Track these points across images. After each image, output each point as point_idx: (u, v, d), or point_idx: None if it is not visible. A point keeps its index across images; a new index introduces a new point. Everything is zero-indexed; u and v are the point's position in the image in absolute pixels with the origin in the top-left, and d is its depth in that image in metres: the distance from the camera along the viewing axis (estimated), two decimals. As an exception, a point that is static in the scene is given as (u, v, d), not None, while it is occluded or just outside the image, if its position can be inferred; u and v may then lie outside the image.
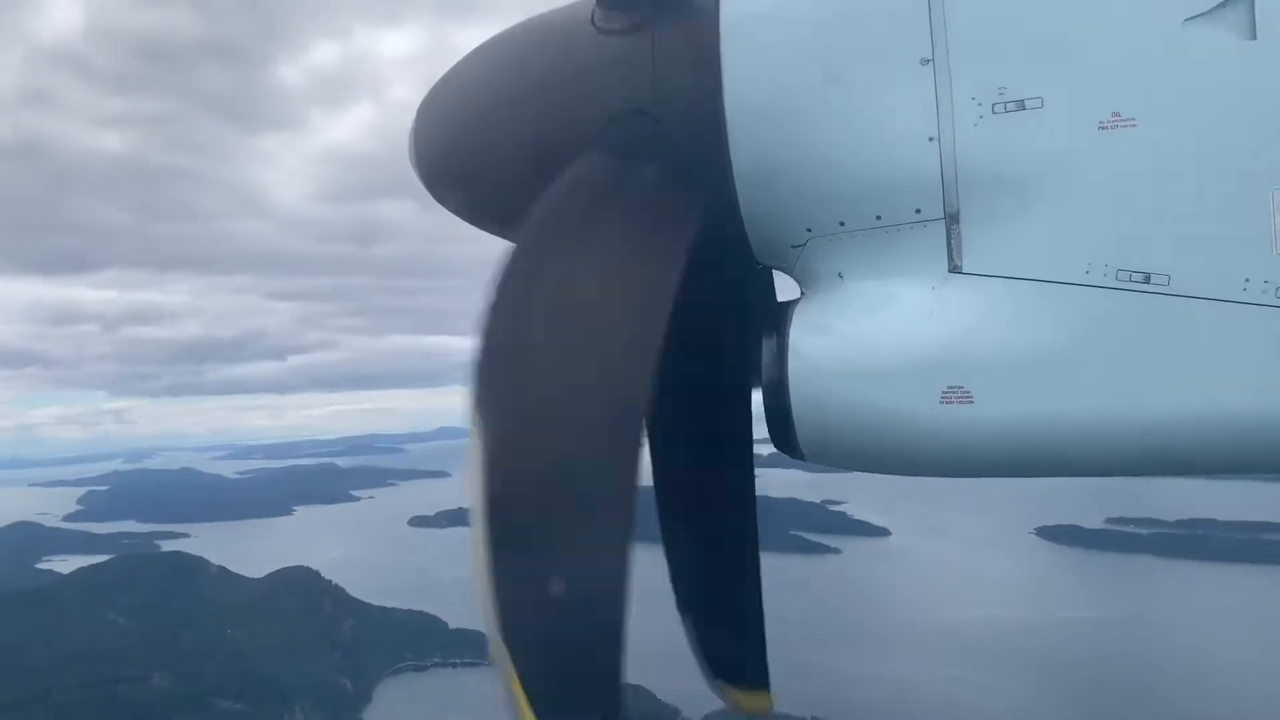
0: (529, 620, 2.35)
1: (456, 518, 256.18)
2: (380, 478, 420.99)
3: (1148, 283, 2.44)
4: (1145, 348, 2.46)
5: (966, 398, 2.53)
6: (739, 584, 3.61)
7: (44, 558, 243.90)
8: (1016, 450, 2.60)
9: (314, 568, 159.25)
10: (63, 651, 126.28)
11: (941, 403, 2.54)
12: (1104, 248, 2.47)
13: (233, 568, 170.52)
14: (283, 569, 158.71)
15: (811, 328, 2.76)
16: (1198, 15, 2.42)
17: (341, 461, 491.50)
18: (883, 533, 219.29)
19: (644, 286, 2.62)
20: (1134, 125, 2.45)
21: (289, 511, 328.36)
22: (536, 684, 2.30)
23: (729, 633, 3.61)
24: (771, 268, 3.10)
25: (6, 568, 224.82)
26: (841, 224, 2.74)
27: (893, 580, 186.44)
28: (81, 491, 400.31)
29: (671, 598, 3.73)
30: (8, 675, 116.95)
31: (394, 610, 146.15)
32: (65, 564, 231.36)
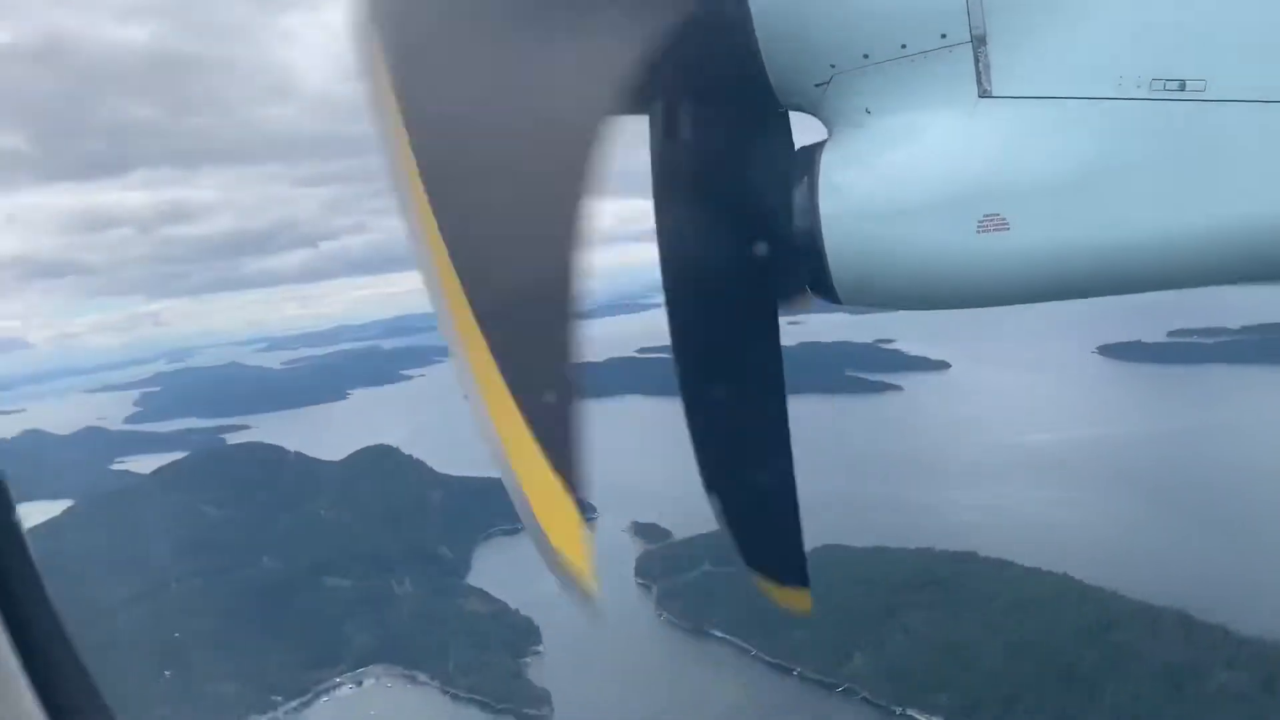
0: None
1: None
2: (425, 356, 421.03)
3: (1183, 90, 2.32)
4: (1185, 157, 2.37)
5: (1003, 225, 2.47)
6: (770, 469, 3.34)
7: (116, 459, 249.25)
8: (1057, 273, 2.56)
9: (392, 445, 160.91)
10: (168, 545, 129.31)
11: (978, 232, 2.49)
12: (1136, 58, 2.37)
13: (309, 453, 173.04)
14: (362, 449, 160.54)
15: (841, 168, 2.70)
16: None
17: (385, 343, 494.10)
18: (942, 366, 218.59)
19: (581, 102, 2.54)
20: None
21: (343, 396, 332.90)
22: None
23: (762, 525, 3.40)
24: (793, 110, 2.95)
25: (84, 472, 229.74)
26: (866, 56, 2.64)
27: (960, 410, 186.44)
28: (135, 394, 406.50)
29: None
30: (120, 571, 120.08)
31: (473, 479, 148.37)
32: (139, 464, 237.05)
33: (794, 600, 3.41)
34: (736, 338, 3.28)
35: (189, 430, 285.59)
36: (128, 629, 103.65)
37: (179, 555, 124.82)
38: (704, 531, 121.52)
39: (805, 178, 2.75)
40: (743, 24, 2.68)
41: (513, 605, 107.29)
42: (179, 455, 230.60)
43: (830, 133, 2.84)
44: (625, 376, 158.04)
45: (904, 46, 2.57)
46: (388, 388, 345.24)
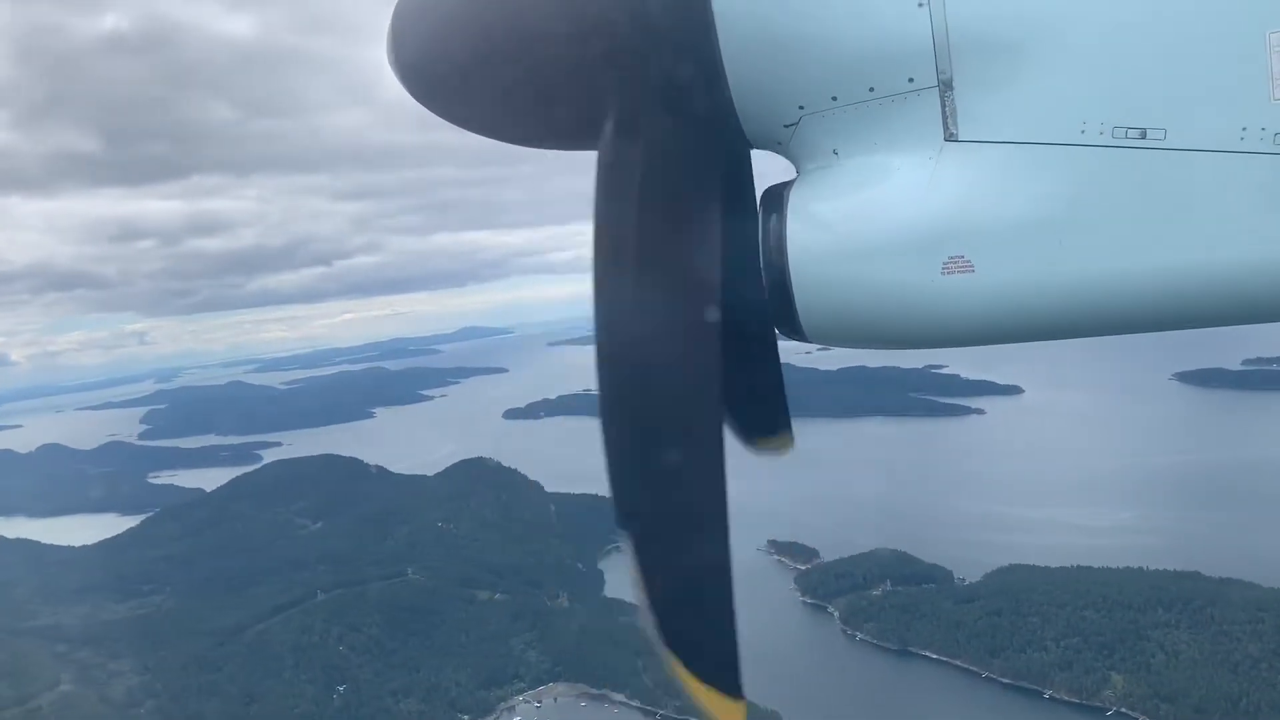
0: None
1: (551, 408, 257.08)
2: (436, 378, 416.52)
3: (1144, 138, 2.39)
4: (1145, 203, 2.43)
5: (967, 267, 2.50)
6: (760, 352, 3.43)
7: (150, 474, 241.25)
8: (1020, 315, 2.59)
9: (489, 458, 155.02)
10: (288, 557, 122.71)
11: (943, 273, 2.52)
12: (1098, 105, 2.42)
13: (390, 467, 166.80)
14: (459, 463, 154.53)
15: (809, 207, 2.71)
16: None
17: (389, 365, 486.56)
18: (1014, 390, 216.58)
19: (704, 223, 2.74)
20: None
21: (369, 415, 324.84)
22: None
23: (751, 393, 3.51)
24: (762, 149, 2.99)
25: (120, 485, 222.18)
26: (834, 99, 2.66)
27: (1041, 435, 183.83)
28: (141, 411, 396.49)
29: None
30: (252, 582, 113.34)
31: (573, 495, 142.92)
32: (180, 478, 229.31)
33: (729, 713, 2.97)
34: (694, 376, 2.94)
35: (216, 447, 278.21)
36: (282, 642, 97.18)
37: (306, 567, 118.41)
38: (863, 550, 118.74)
39: (773, 216, 2.73)
40: (712, 65, 2.67)
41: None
42: (224, 470, 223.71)
43: (798, 172, 2.83)
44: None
45: (872, 90, 2.59)
46: (414, 407, 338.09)
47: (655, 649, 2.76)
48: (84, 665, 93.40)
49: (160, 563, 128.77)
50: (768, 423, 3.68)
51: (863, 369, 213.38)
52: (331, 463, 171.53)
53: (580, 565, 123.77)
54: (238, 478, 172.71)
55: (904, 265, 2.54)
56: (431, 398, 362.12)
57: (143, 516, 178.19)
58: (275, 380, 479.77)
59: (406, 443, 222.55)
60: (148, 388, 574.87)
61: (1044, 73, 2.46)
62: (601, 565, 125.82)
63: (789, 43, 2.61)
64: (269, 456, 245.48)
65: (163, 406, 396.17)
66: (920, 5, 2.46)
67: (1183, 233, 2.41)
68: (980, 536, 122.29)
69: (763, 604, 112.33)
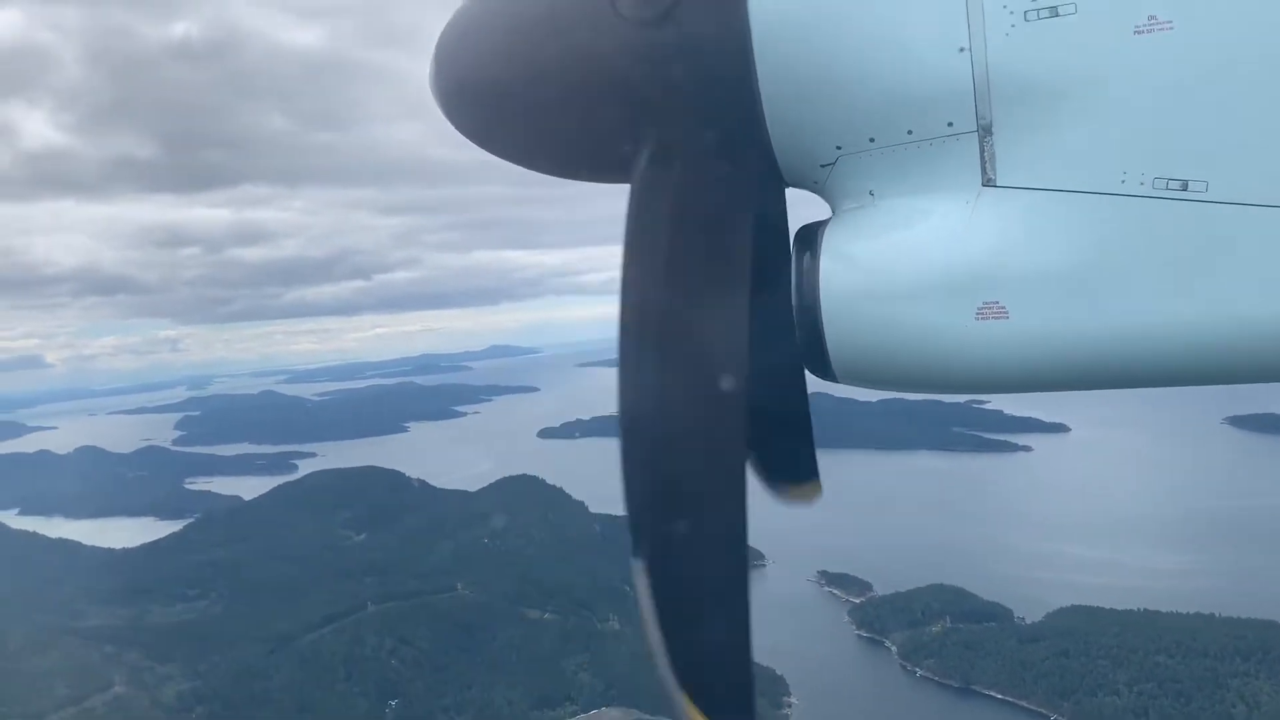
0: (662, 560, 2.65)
1: (585, 428, 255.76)
2: (469, 394, 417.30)
3: (1185, 190, 2.37)
4: (1184, 256, 2.40)
5: (1002, 312, 2.48)
6: (790, 402, 3.43)
7: (187, 479, 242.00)
8: (1054, 363, 2.57)
9: (536, 475, 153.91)
10: (333, 567, 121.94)
11: (977, 319, 2.50)
12: (1140, 156, 2.41)
13: (431, 481, 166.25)
14: (501, 480, 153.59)
15: (843, 247, 2.70)
16: None
17: (420, 380, 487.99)
18: (1060, 429, 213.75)
19: (734, 262, 2.73)
20: (1170, 28, 2.37)
21: (402, 429, 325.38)
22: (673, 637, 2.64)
23: (779, 438, 3.52)
24: (797, 187, 2.99)
25: (156, 490, 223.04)
26: (872, 140, 2.66)
27: (1091, 474, 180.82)
28: (175, 417, 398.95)
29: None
30: (301, 591, 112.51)
31: (616, 516, 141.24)
32: (216, 484, 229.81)
33: (809, 493, 3.40)
34: (720, 414, 2.96)
35: (252, 455, 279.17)
36: (334, 652, 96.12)
37: (354, 578, 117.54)
38: (918, 585, 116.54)
39: (807, 255, 2.73)
40: (751, 102, 2.68)
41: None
42: (260, 478, 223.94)
43: (833, 212, 2.83)
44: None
45: (910, 132, 2.60)
46: (448, 422, 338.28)
47: (667, 688, 2.70)
48: (134, 668, 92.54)
49: (205, 568, 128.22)
50: (795, 469, 3.57)
51: (903, 401, 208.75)
52: (373, 475, 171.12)
53: (627, 588, 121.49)
54: (279, 486, 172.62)
55: (938, 309, 2.53)
56: (464, 414, 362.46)
57: (181, 521, 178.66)
58: (307, 391, 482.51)
59: (443, 458, 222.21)
60: (180, 394, 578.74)
61: (1085, 121, 2.44)
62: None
63: (829, 83, 2.61)
64: (304, 466, 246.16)
65: (197, 413, 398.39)
66: (961, 50, 2.46)
67: (1222, 287, 2.36)
68: (1038, 575, 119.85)
69: (817, 636, 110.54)
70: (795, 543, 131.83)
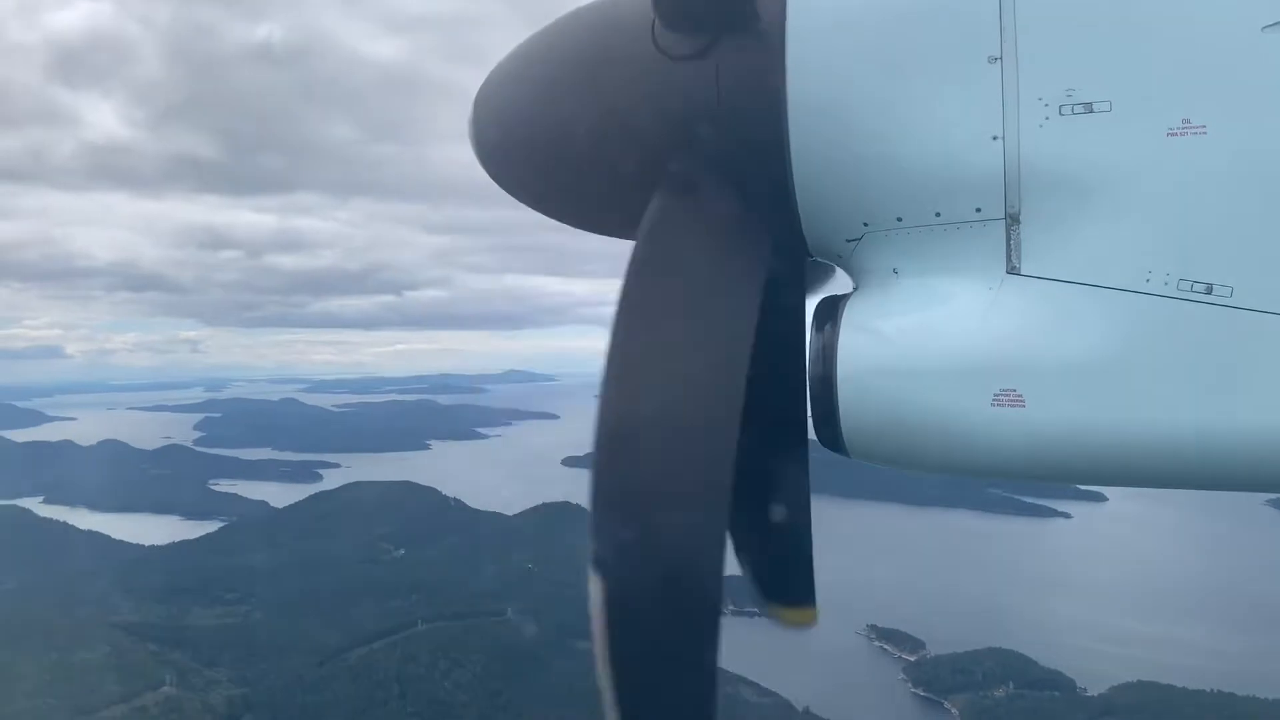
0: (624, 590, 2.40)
1: None
2: (489, 417, 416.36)
3: (1210, 294, 2.36)
4: (1204, 359, 2.39)
5: (1019, 401, 2.48)
6: (791, 517, 3.35)
7: (211, 480, 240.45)
8: (1067, 456, 2.55)
9: (574, 503, 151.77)
10: (375, 582, 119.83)
11: (993, 405, 2.49)
12: (1166, 256, 2.40)
13: (466, 500, 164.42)
14: (540, 505, 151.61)
15: (863, 324, 2.68)
16: (1276, 23, 2.37)
17: (439, 399, 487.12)
18: (1097, 498, 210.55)
19: (738, 320, 2.63)
20: (1204, 133, 2.38)
21: (425, 446, 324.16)
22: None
23: (780, 561, 3.46)
24: (821, 259, 2.99)
25: (179, 489, 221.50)
26: (899, 220, 2.67)
27: (1133, 546, 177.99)
28: (194, 418, 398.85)
29: None
30: (347, 603, 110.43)
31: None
32: (239, 488, 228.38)
33: (804, 618, 3.34)
34: (767, 445, 3.09)
35: (275, 461, 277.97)
36: (385, 669, 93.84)
37: (400, 595, 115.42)
38: (976, 648, 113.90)
39: (826, 326, 2.72)
40: (781, 175, 2.69)
41: (795, 702, 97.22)
42: (285, 485, 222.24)
43: (856, 286, 2.83)
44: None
45: (938, 214, 2.61)
46: (471, 444, 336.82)
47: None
48: (181, 669, 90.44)
49: (242, 573, 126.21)
50: (790, 589, 3.40)
51: None
52: (410, 490, 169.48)
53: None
54: (314, 495, 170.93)
55: (954, 391, 2.51)
56: (487, 436, 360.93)
57: (207, 522, 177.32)
58: (326, 402, 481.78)
59: (472, 479, 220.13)
60: (197, 395, 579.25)
61: (1113, 217, 2.40)
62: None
63: (860, 160, 2.63)
64: (329, 476, 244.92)
65: (217, 415, 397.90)
66: (995, 139, 2.48)
67: (1242, 394, 2.35)
68: (1094, 646, 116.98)
69: (873, 692, 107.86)
70: (840, 594, 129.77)
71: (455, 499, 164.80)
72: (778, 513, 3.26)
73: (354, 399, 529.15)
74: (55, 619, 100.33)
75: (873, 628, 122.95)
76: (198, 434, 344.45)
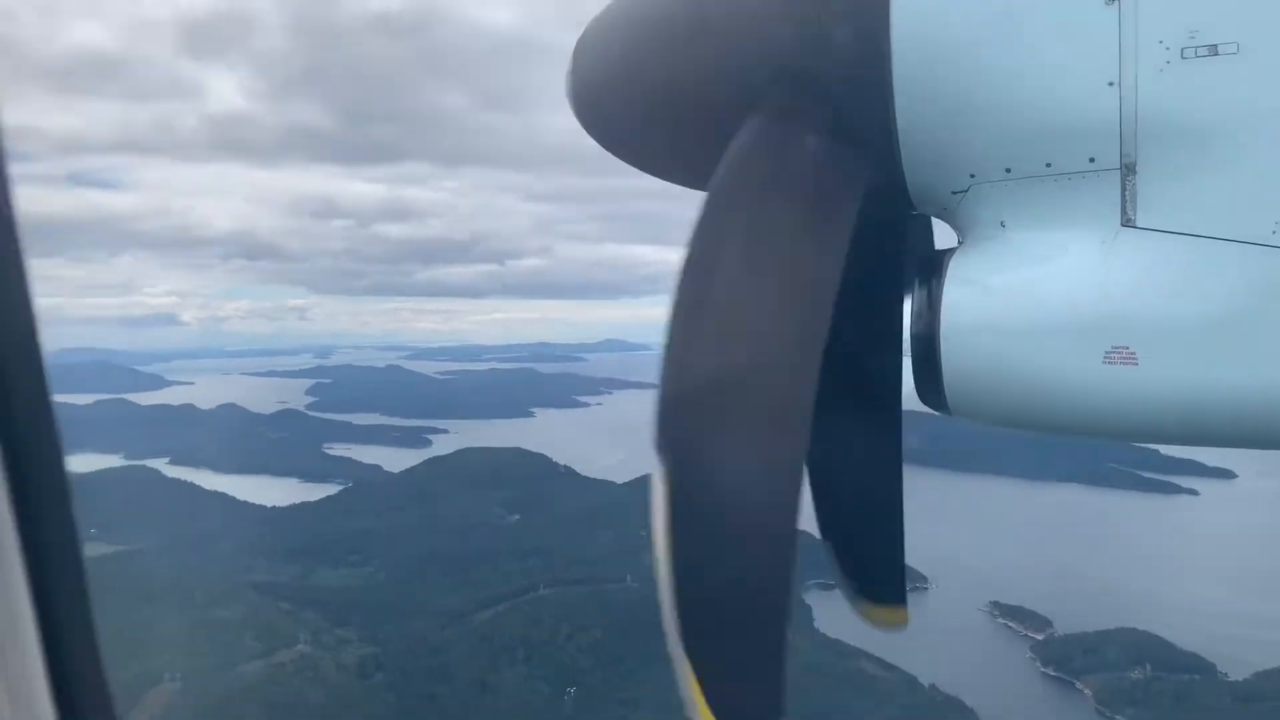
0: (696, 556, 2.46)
1: None
2: (589, 386, 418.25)
3: None
4: None
5: (1131, 358, 2.39)
6: (882, 515, 3.52)
7: (325, 444, 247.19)
8: (1182, 415, 2.48)
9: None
10: (492, 546, 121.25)
11: (1104, 363, 2.42)
12: None
13: (576, 469, 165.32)
14: (649, 474, 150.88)
15: (968, 279, 2.63)
16: None
17: (539, 368, 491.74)
18: (1226, 474, 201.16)
19: (814, 269, 2.57)
20: None
21: (528, 414, 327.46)
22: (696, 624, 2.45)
23: (871, 558, 3.60)
24: (925, 213, 2.94)
25: (297, 452, 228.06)
26: (1008, 170, 2.58)
27: (1270, 528, 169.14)
28: (305, 383, 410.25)
29: None
30: (467, 566, 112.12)
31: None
32: (353, 452, 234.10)
33: (895, 618, 3.46)
34: (860, 411, 3.25)
35: (385, 426, 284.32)
36: (510, 632, 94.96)
37: (518, 559, 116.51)
38: (1106, 627, 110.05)
39: (929, 284, 2.67)
40: (885, 125, 2.61)
41: (922, 679, 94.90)
42: (396, 450, 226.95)
43: (961, 241, 2.75)
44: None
45: (1049, 165, 2.50)
46: (572, 411, 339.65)
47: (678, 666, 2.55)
48: (313, 627, 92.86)
49: (363, 535, 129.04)
50: (879, 586, 3.46)
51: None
52: (521, 457, 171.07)
53: (804, 600, 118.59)
54: (429, 460, 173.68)
55: (1064, 349, 2.44)
56: (588, 404, 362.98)
57: (324, 485, 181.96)
58: (429, 369, 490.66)
59: (577, 446, 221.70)
60: (306, 361, 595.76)
61: (1237, 166, 2.28)
62: (807, 599, 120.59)
63: (968, 110, 2.52)
64: (438, 441, 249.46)
65: (328, 381, 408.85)
66: (1110, 84, 2.34)
67: None
68: (1233, 630, 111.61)
69: (1001, 670, 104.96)
70: (960, 569, 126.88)
71: (565, 466, 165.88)
72: (867, 502, 3.24)
73: (456, 366, 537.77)
74: (191, 577, 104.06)
75: (995, 604, 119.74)
76: (310, 399, 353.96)
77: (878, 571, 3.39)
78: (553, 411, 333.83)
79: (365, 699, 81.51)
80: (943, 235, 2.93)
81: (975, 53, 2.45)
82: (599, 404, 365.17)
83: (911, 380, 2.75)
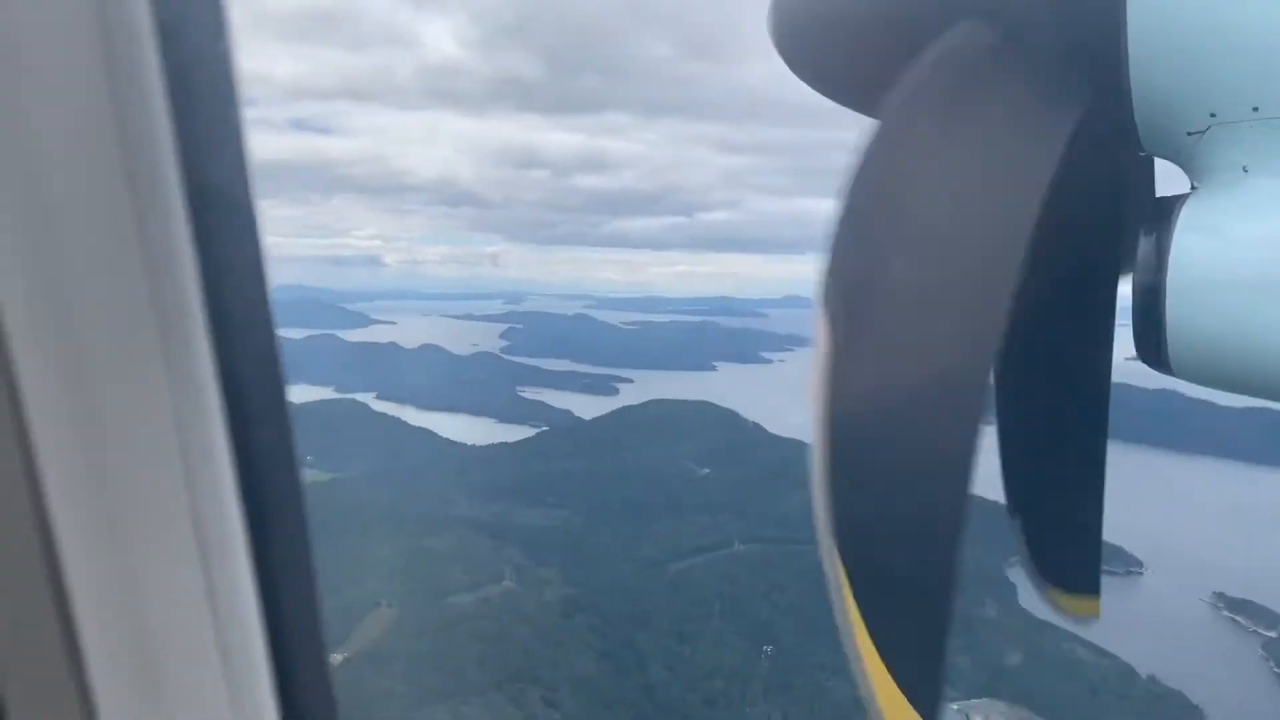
0: (861, 541, 2.49)
1: None
2: (773, 341, 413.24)
3: None
4: None
5: None
6: (1082, 489, 3.29)
7: (519, 387, 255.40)
8: None
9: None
10: (684, 499, 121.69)
11: None
12: None
13: (765, 425, 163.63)
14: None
15: (1203, 228, 2.40)
16: None
17: (723, 321, 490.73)
18: None
19: (1014, 185, 2.38)
20: None
21: (711, 367, 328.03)
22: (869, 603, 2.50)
23: (1065, 539, 3.37)
24: (1156, 156, 2.66)
25: (497, 393, 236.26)
26: (1255, 109, 2.29)
27: None
28: (498, 327, 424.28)
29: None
30: (659, 516, 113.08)
31: (983, 498, 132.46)
32: (545, 396, 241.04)
33: (1087, 608, 3.29)
34: (1064, 374, 3.10)
35: (575, 373, 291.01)
36: (706, 585, 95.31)
37: (711, 513, 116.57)
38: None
39: (1157, 233, 2.44)
40: (1113, 52, 2.34)
41: (1140, 669, 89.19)
42: (586, 396, 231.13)
43: (1195, 186, 2.51)
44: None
45: None
46: (753, 367, 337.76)
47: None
48: (517, 565, 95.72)
49: (559, 479, 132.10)
50: (1071, 574, 3.25)
51: (1270, 411, 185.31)
52: (709, 410, 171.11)
53: (1005, 574, 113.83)
54: (620, 409, 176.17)
55: None
56: (771, 361, 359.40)
57: (519, 426, 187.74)
58: (614, 319, 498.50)
59: (761, 402, 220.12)
60: (498, 306, 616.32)
61: None
62: (1010, 576, 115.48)
63: (1211, 41, 2.23)
64: (624, 390, 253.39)
65: (519, 326, 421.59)
66: None
67: None
68: None
69: (1227, 668, 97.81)
70: (1178, 555, 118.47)
71: (754, 423, 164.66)
72: (1064, 478, 2.99)
73: (640, 317, 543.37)
74: (402, 506, 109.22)
75: (1220, 596, 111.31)
76: (503, 343, 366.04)
77: (1071, 556, 3.11)
78: (736, 366, 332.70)
79: (569, 638, 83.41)
80: (1168, 183, 2.62)
81: None
82: (782, 360, 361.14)
83: (1132, 337, 2.50)
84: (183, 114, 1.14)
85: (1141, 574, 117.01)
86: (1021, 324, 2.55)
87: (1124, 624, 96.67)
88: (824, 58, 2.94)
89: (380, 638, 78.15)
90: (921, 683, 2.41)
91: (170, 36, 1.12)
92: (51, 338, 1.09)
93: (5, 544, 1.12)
